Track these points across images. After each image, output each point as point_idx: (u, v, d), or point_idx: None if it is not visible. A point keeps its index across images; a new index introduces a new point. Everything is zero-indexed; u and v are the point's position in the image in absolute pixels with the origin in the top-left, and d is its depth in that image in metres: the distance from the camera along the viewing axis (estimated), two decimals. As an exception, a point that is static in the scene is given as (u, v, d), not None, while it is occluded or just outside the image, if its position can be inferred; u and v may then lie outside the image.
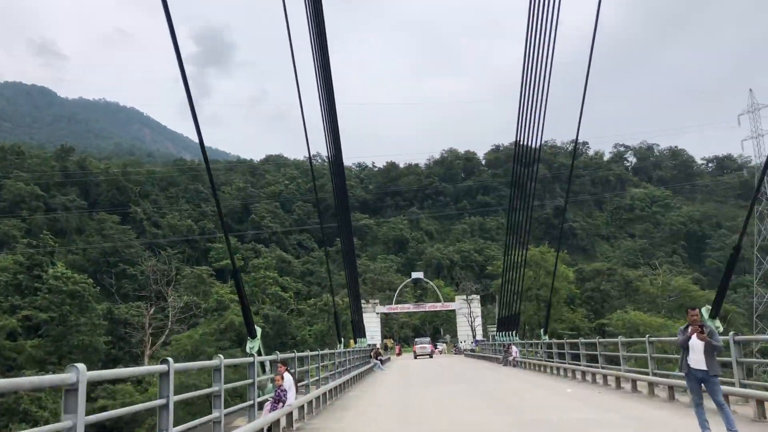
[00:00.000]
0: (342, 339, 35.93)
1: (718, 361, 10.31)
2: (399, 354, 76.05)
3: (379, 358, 43.27)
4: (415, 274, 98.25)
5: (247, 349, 17.16)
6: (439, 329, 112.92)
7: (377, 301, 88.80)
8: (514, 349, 38.38)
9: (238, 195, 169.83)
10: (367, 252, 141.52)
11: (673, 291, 58.29)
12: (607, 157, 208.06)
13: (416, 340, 73.74)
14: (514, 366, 36.76)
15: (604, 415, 14.22)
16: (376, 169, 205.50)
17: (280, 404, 12.70)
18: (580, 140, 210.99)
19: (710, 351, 10.03)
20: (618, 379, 20.16)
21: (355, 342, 40.35)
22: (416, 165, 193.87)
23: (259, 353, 17.29)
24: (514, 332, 42.39)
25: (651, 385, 17.52)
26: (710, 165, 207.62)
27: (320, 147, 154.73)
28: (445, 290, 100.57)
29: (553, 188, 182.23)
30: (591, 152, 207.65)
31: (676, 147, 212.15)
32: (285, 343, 71.03)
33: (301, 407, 15.40)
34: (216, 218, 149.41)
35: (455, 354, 73.94)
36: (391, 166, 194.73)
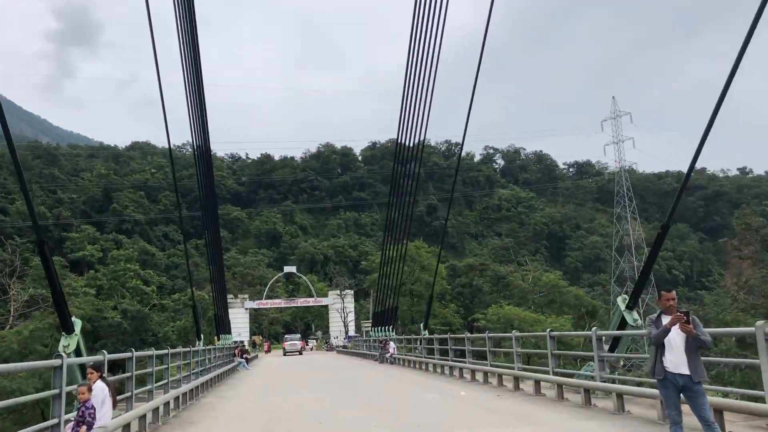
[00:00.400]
0: (202, 336, 33.28)
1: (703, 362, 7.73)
2: (268, 351, 73.32)
3: (244, 356, 40.59)
4: (287, 268, 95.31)
5: (60, 349, 13.81)
6: (310, 325, 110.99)
7: (246, 296, 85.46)
8: (391, 345, 36.62)
9: (99, 182, 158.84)
10: (238, 246, 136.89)
11: (543, 287, 60.08)
12: (477, 158, 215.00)
13: (286, 336, 73.44)
14: (392, 363, 34.79)
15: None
16: (250, 161, 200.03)
17: (84, 427, 9.14)
18: (453, 141, 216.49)
19: (694, 348, 7.52)
20: (516, 379, 17.89)
21: (219, 339, 37.53)
22: (292, 158, 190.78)
23: (78, 353, 14.38)
24: (390, 327, 41.28)
25: (560, 387, 14.95)
26: (571, 170, 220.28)
27: (188, 135, 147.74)
28: (318, 286, 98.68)
29: (427, 187, 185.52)
30: (463, 153, 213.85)
31: (540, 151, 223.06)
32: (145, 341, 66.40)
33: (127, 425, 11.55)
34: (74, 206, 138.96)
35: (327, 351, 72.63)
36: (266, 158, 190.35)
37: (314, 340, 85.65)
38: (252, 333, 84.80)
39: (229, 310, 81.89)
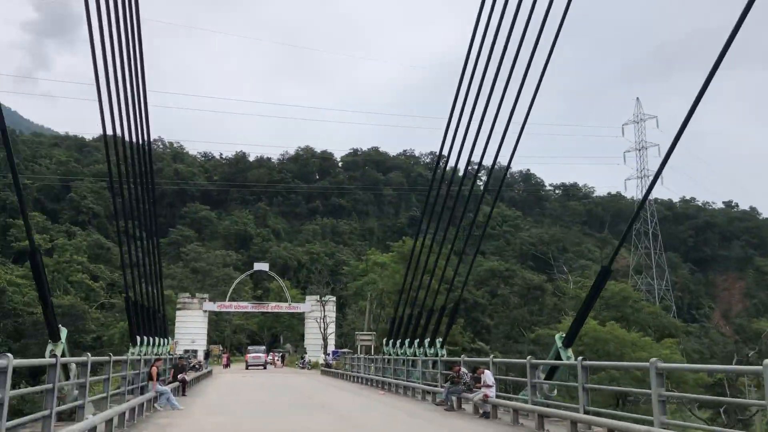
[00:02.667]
0: (138, 340, 23.27)
1: None
2: (227, 366, 59.68)
3: (180, 376, 25.58)
4: (258, 265, 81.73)
5: (48, 354, 14.04)
6: (278, 337, 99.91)
7: (206, 296, 73.11)
8: (488, 376, 17.16)
9: (57, 170, 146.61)
10: (206, 245, 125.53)
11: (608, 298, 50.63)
12: (460, 173, 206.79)
13: (249, 348, 65.76)
14: (486, 417, 16.81)
15: None
16: (224, 161, 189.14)
17: None
18: (437, 154, 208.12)
19: None
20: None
21: (136, 344, 24.23)
22: (268, 159, 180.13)
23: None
24: (433, 343, 25.97)
25: None
26: (557, 191, 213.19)
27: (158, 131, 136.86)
28: (291, 293, 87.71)
29: (410, 197, 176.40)
30: (448, 167, 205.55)
31: (528, 170, 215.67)
32: (80, 343, 55.34)
33: None
34: (26, 192, 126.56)
35: (302, 368, 59.85)
36: (240, 158, 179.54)
37: (282, 355, 74.14)
38: (211, 342, 73.03)
39: (183, 311, 69.82)
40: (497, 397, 17.06)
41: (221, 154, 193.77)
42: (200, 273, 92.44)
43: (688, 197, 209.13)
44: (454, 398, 19.27)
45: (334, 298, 70.41)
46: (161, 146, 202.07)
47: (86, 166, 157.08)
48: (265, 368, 56.91)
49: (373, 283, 65.75)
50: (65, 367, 14.19)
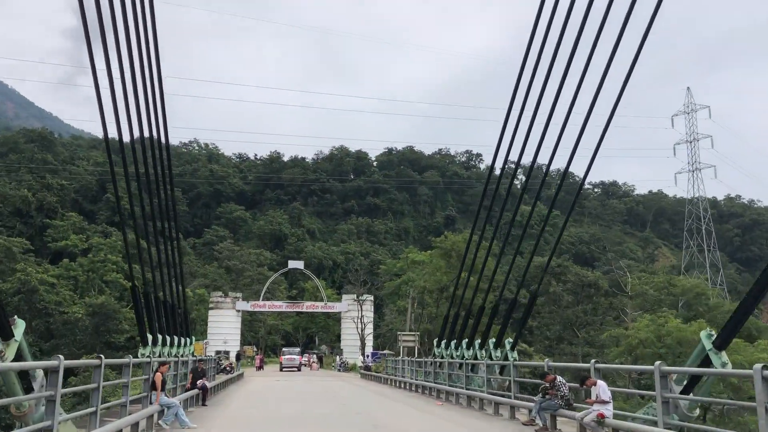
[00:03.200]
0: (159, 338, 21.00)
1: None
2: (260, 368, 57.59)
3: (200, 382, 22.48)
4: (293, 263, 78.86)
5: None
6: (313, 338, 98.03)
7: (239, 295, 71.24)
8: (601, 387, 13.10)
9: (94, 171, 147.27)
10: (240, 245, 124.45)
11: (677, 293, 47.49)
12: (497, 172, 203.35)
13: (284, 350, 63.68)
14: None
15: None
16: (259, 161, 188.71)
17: None
18: (473, 152, 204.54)
19: None
20: None
21: (151, 343, 20.37)
22: (303, 159, 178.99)
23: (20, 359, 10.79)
24: (503, 345, 22.40)
25: None
26: (596, 190, 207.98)
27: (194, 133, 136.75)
28: (326, 293, 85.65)
29: (445, 197, 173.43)
30: (482, 166, 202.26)
31: (563, 169, 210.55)
32: (112, 343, 53.94)
33: None
34: (63, 193, 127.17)
35: (340, 371, 57.65)
36: (275, 157, 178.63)
37: (320, 357, 71.64)
38: (245, 342, 71.18)
39: (216, 311, 67.96)
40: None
41: (256, 155, 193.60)
42: (234, 272, 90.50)
43: (733, 195, 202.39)
44: (547, 415, 15.29)
45: (372, 297, 67.67)
46: (197, 147, 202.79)
47: (123, 167, 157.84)
48: (299, 370, 55.65)
49: (411, 281, 63.36)
50: (22, 375, 10.54)
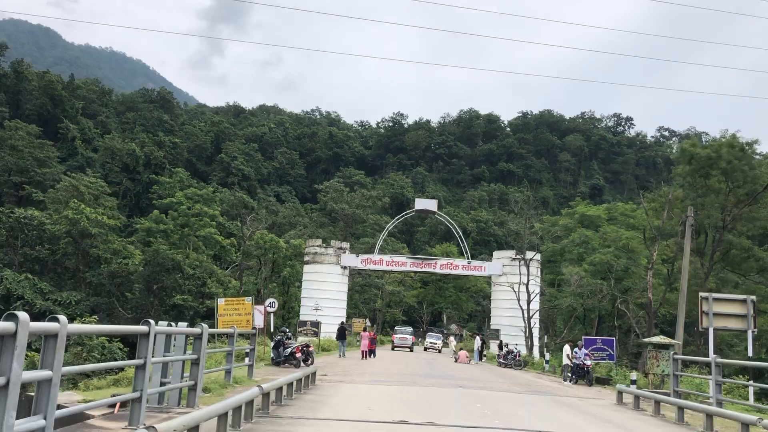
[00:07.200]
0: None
1: None
2: (368, 354, 32.71)
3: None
4: (421, 202, 59.02)
5: None
6: (441, 315, 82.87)
7: (346, 245, 52.81)
8: None
9: (210, 130, 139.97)
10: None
11: None
12: (650, 140, 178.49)
13: (396, 329, 56.25)
14: None
15: None
16: (381, 127, 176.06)
17: None
18: (623, 115, 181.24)
19: None
20: None
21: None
22: (427, 121, 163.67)
23: None
24: None
25: None
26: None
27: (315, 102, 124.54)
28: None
29: (590, 165, 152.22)
30: (633, 132, 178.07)
31: (729, 134, 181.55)
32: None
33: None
34: (175, 151, 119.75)
35: (503, 367, 33.85)
36: (397, 120, 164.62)
37: (454, 338, 55.31)
38: (349, 315, 54.04)
39: (313, 266, 50.81)
40: None
41: (378, 123, 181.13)
42: (340, 220, 74.64)
43: None
44: None
45: (539, 257, 46.80)
46: (318, 115, 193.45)
47: (240, 129, 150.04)
48: (411, 351, 47.99)
49: (588, 240, 46.87)
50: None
